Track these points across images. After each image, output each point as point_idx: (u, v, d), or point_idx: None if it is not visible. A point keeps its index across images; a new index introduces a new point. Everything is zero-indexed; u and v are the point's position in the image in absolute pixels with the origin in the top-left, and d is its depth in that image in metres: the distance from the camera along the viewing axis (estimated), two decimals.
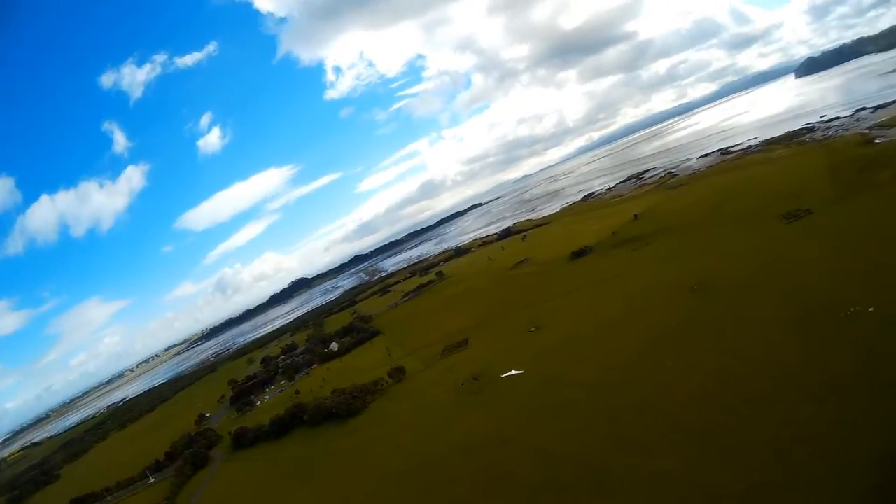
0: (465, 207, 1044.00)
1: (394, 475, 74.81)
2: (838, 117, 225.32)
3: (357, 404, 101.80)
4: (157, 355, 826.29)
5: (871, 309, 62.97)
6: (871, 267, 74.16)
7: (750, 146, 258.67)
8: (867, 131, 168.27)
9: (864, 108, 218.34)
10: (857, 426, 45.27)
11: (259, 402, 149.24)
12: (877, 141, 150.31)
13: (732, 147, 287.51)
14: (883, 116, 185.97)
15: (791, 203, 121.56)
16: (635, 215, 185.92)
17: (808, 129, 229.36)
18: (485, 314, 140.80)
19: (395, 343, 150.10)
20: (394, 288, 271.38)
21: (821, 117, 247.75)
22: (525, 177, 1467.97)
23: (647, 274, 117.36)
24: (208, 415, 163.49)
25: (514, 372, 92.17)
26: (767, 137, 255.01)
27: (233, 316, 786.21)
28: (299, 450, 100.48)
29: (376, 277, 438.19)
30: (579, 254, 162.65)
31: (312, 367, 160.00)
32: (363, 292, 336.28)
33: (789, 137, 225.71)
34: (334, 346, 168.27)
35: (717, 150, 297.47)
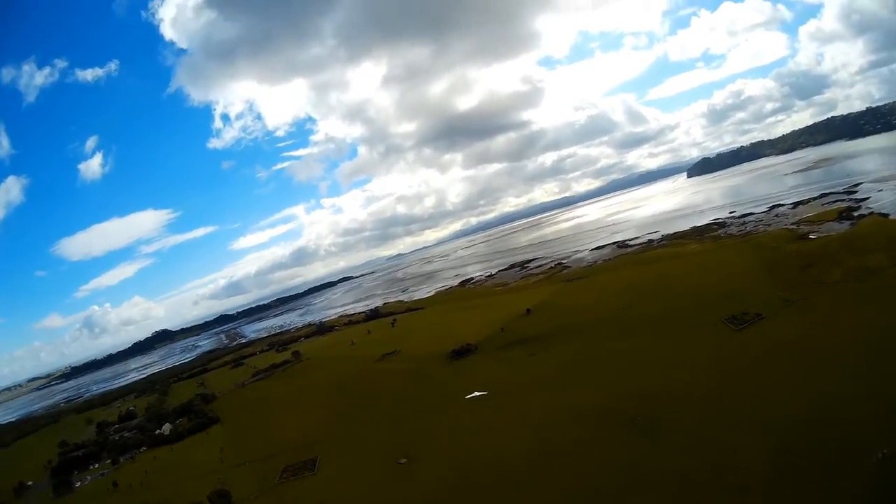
0: (336, 279, 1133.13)
1: None
2: (752, 213, 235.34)
3: None
4: (19, 385, 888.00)
5: None
6: (873, 388, 63.17)
7: (651, 240, 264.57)
8: (794, 227, 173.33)
9: (780, 205, 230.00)
10: None
11: (78, 484, 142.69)
12: (811, 236, 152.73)
13: (629, 241, 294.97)
14: (806, 212, 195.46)
15: (731, 306, 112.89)
16: (528, 310, 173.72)
17: (719, 224, 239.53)
18: (341, 422, 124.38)
19: (232, 441, 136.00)
20: (247, 361, 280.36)
21: (730, 213, 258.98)
22: (399, 255, 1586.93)
23: (554, 390, 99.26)
24: (30, 484, 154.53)
25: None
26: (670, 232, 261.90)
27: (97, 357, 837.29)
28: None
29: (235, 343, 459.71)
30: (461, 353, 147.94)
31: (141, 450, 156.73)
32: (217, 359, 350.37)
33: (698, 233, 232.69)
34: (167, 427, 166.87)
35: (613, 243, 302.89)
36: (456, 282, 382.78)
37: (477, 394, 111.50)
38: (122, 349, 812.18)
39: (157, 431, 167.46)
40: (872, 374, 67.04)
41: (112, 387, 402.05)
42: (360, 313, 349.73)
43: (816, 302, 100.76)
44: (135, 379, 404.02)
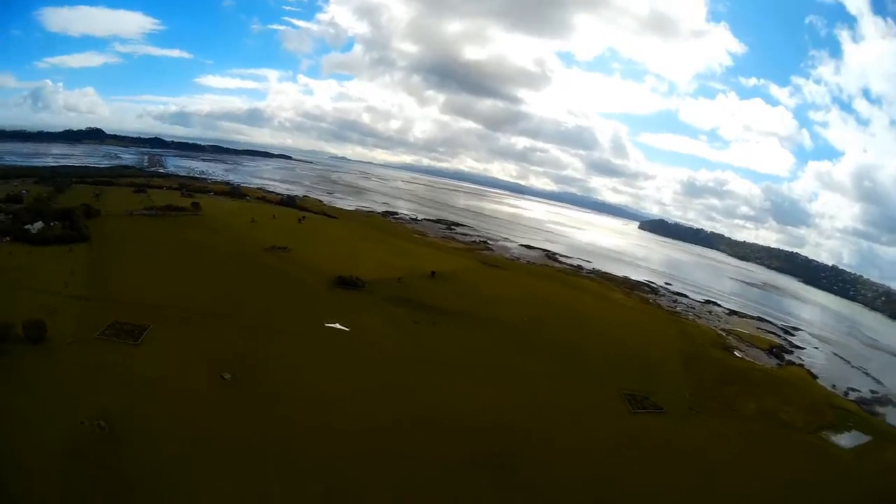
0: (275, 153, 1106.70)
1: None
2: (686, 296, 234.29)
3: None
4: None
5: None
6: None
7: (581, 267, 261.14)
8: (723, 333, 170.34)
9: (716, 304, 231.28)
10: None
11: None
12: (737, 353, 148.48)
13: (561, 255, 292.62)
14: (739, 326, 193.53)
15: (636, 380, 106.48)
16: (433, 272, 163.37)
17: (652, 289, 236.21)
18: (193, 297, 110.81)
19: (86, 269, 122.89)
20: (150, 192, 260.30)
21: (665, 282, 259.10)
22: (343, 158, 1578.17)
23: (425, 388, 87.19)
24: None
25: None
26: (603, 269, 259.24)
27: (27, 130, 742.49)
28: None
29: (152, 169, 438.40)
30: (348, 284, 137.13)
31: (4, 240, 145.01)
32: (128, 177, 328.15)
33: (630, 286, 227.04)
34: (38, 226, 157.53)
35: (543, 250, 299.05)
36: (380, 209, 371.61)
37: (338, 326, 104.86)
38: (53, 131, 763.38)
39: (27, 227, 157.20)
40: None
41: (23, 164, 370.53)
42: (277, 194, 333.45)
43: (722, 425, 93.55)
44: (46, 164, 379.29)
